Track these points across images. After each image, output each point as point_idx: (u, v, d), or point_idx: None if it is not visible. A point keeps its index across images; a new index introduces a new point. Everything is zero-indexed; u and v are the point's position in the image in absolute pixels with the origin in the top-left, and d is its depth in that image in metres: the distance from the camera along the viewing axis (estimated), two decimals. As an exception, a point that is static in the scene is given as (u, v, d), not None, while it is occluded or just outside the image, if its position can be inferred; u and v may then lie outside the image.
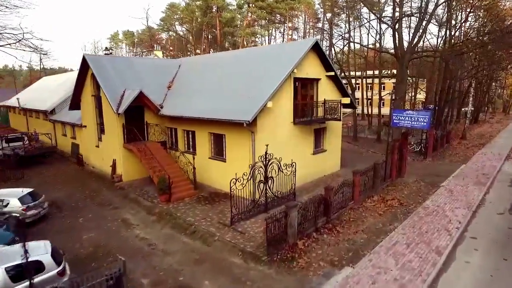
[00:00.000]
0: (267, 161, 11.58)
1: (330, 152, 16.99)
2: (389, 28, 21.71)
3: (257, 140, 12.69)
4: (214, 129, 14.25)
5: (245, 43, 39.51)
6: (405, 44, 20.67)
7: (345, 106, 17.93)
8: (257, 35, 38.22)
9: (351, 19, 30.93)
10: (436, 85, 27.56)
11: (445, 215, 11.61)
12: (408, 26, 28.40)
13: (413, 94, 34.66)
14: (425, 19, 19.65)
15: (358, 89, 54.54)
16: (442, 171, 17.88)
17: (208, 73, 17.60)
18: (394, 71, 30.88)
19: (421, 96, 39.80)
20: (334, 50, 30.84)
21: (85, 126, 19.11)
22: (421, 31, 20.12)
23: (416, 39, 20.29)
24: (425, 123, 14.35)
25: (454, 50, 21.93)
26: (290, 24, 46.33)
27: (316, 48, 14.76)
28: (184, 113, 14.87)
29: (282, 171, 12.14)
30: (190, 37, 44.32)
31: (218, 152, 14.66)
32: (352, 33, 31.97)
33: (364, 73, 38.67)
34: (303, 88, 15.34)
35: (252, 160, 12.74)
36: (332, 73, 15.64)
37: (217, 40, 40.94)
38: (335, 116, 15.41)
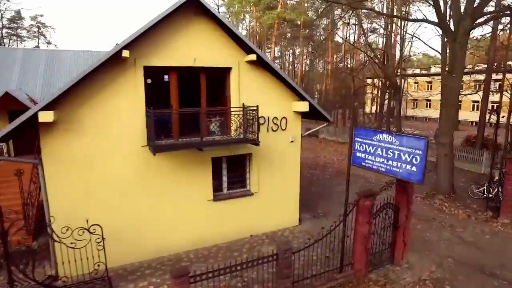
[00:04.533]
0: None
1: (269, 195, 9.41)
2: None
3: (50, 178, 6.87)
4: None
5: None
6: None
7: (310, 116, 9.97)
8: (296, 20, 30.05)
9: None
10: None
11: None
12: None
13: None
14: None
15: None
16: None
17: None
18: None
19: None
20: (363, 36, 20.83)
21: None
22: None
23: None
24: (413, 170, 5.55)
25: None
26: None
27: (207, 13, 7.73)
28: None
29: (58, 241, 6.05)
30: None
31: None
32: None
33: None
34: (192, 85, 8.48)
35: (47, 214, 7.02)
36: (253, 57, 8.19)
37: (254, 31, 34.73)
38: (249, 136, 7.98)
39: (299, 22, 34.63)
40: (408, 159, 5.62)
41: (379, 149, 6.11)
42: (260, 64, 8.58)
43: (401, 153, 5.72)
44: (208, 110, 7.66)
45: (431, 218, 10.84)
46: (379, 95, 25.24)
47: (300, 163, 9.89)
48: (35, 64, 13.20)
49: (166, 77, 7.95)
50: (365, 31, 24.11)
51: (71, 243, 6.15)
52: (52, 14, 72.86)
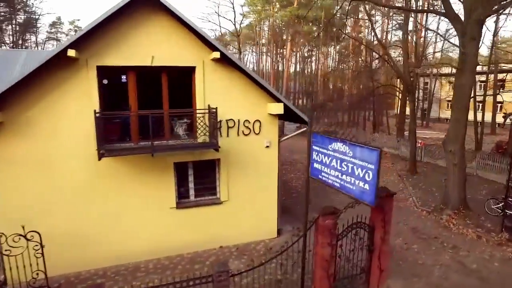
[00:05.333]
0: None
1: (241, 204, 8.61)
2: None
3: (-2, 180, 6.69)
4: None
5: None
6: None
7: (291, 118, 9.05)
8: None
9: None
10: None
11: None
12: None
13: None
14: None
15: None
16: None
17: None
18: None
19: None
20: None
21: None
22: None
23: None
24: (366, 188, 4.47)
25: None
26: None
27: (166, 10, 7.10)
28: None
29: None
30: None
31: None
32: None
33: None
34: (157, 86, 7.92)
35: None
36: (217, 55, 7.44)
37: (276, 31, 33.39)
38: (207, 141, 7.27)
39: (322, 20, 33.20)
40: (361, 175, 4.57)
41: (334, 160, 5.09)
42: (228, 63, 7.82)
43: (355, 167, 4.68)
44: (155, 112, 7.05)
45: (432, 237, 9.38)
46: (400, 96, 23.20)
47: (278, 169, 8.97)
48: (35, 65, 13.46)
49: (123, 77, 7.47)
50: (374, 26, 22.15)
51: (6, 250, 5.88)
52: (88, 18, 77.30)
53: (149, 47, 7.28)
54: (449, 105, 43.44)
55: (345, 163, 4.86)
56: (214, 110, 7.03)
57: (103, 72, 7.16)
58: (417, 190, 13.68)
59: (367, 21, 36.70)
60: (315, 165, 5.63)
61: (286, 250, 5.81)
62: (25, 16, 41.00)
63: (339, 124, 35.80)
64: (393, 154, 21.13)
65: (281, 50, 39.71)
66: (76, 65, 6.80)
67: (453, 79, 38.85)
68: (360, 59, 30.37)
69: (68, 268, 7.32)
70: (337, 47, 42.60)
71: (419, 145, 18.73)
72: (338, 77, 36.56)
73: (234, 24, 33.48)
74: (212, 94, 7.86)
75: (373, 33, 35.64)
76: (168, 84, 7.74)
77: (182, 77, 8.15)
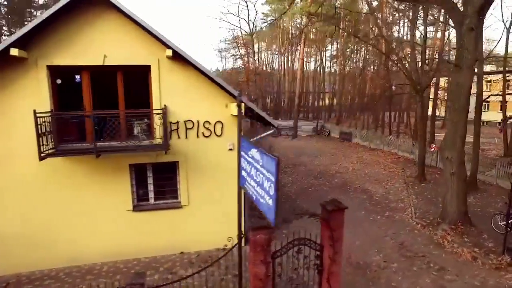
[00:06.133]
0: None
1: (202, 209, 8.08)
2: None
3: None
4: None
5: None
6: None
7: (258, 120, 8.36)
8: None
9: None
10: None
11: None
12: None
13: None
14: None
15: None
16: None
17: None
18: None
19: None
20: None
21: None
22: None
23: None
24: (270, 203, 3.69)
25: None
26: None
27: (116, 8, 6.76)
28: None
29: None
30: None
31: None
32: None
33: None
34: (113, 86, 7.60)
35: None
36: (169, 53, 6.97)
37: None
38: (157, 141, 6.83)
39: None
40: (267, 188, 3.84)
41: (253, 169, 4.40)
42: (185, 62, 7.32)
43: (264, 178, 3.95)
44: (98, 113, 6.71)
45: (419, 255, 8.18)
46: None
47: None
48: None
49: (77, 77, 7.26)
50: (379, 21, 20.24)
51: None
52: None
53: (102, 46, 7.01)
54: (486, 106, 39.42)
55: (258, 172, 4.16)
56: (161, 110, 6.58)
57: (55, 71, 7.02)
58: (420, 199, 12.23)
59: (394, 18, 34.35)
60: (243, 173, 4.97)
61: (211, 265, 5.21)
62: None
63: (360, 125, 34.01)
64: (407, 159, 19.38)
65: (296, 49, 38.57)
66: (25, 65, 6.70)
67: (490, 77, 34.83)
68: (374, 58, 28.40)
69: (22, 268, 7.28)
70: (357, 45, 40.42)
71: (432, 149, 16.92)
72: (357, 77, 34.68)
73: (248, 23, 32.88)
74: (169, 94, 7.42)
75: (397, 28, 33.36)
76: (125, 83, 7.46)
77: (141, 77, 7.81)
